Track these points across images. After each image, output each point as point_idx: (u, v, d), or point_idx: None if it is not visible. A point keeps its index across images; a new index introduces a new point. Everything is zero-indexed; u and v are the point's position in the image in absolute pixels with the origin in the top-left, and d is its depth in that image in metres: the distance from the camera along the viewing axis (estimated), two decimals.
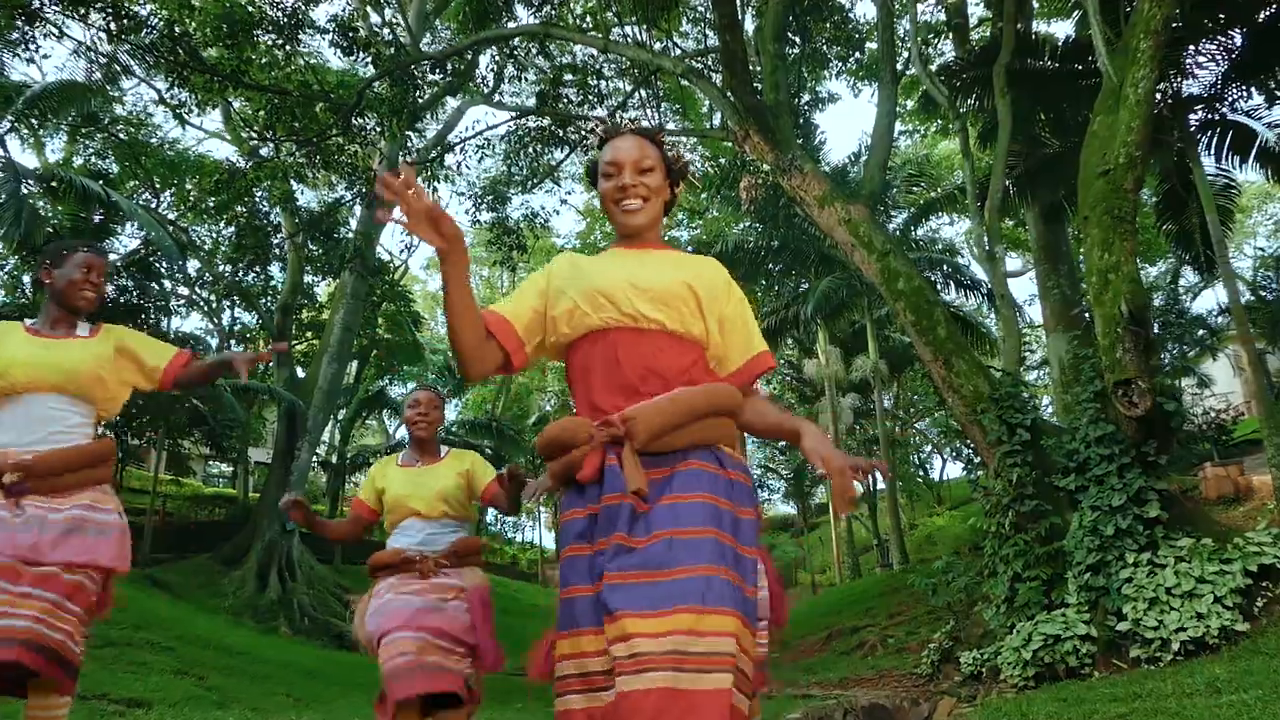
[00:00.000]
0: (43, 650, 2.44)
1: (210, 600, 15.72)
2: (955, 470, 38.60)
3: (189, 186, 17.47)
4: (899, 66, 13.20)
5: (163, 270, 17.86)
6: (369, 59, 13.11)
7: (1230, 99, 10.71)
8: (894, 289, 8.73)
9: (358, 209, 18.51)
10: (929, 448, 36.59)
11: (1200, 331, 19.31)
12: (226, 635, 12.36)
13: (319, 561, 19.75)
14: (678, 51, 15.14)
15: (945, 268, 18.22)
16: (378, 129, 14.15)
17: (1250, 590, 6.40)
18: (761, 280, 21.30)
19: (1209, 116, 10.84)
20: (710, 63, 14.14)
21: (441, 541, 3.37)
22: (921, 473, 35.33)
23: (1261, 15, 10.14)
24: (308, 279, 21.01)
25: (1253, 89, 10.69)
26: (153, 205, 18.39)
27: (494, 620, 3.33)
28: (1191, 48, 10.30)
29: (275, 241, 17.31)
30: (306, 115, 13.29)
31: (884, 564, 22.33)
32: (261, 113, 13.84)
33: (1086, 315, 12.62)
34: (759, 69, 11.03)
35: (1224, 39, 10.36)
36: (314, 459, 21.94)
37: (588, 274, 1.85)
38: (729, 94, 9.48)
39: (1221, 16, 10.14)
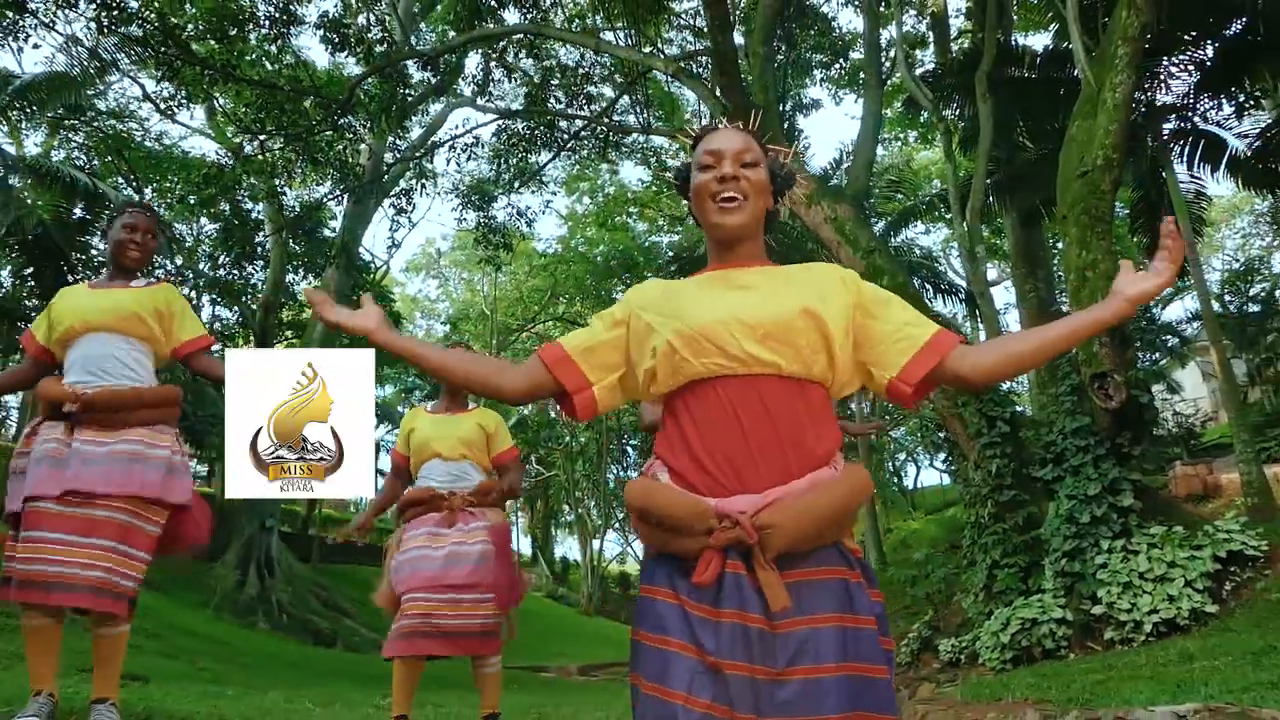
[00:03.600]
0: (107, 593, 2.68)
1: (188, 595, 15.63)
2: (929, 478, 39.02)
3: (173, 182, 17.41)
4: (883, 69, 13.49)
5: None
6: (358, 57, 13.19)
7: (1201, 109, 11.06)
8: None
9: (343, 205, 18.55)
10: (904, 456, 37.00)
11: (1169, 339, 19.78)
12: (208, 628, 12.33)
13: (297, 560, 19.69)
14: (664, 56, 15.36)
15: (924, 272, 18.51)
16: (365, 125, 14.23)
17: (1219, 575, 6.66)
18: None
19: (1181, 126, 11.19)
20: (696, 66, 14.38)
21: (465, 483, 3.61)
22: (896, 480, 35.71)
23: (1229, 30, 10.49)
24: (290, 277, 20.95)
25: (1223, 100, 11.05)
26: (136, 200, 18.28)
27: (513, 557, 3.64)
28: (1165, 59, 10.64)
29: (259, 239, 17.30)
30: (295, 110, 13.36)
31: None
32: (250, 108, 13.89)
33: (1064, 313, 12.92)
34: (748, 74, 11.30)
35: (1194, 51, 10.71)
36: None
37: (683, 306, 1.55)
38: (718, 93, 9.70)
39: (1193, 32, 10.48)
